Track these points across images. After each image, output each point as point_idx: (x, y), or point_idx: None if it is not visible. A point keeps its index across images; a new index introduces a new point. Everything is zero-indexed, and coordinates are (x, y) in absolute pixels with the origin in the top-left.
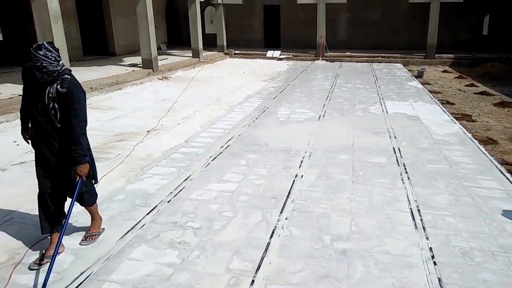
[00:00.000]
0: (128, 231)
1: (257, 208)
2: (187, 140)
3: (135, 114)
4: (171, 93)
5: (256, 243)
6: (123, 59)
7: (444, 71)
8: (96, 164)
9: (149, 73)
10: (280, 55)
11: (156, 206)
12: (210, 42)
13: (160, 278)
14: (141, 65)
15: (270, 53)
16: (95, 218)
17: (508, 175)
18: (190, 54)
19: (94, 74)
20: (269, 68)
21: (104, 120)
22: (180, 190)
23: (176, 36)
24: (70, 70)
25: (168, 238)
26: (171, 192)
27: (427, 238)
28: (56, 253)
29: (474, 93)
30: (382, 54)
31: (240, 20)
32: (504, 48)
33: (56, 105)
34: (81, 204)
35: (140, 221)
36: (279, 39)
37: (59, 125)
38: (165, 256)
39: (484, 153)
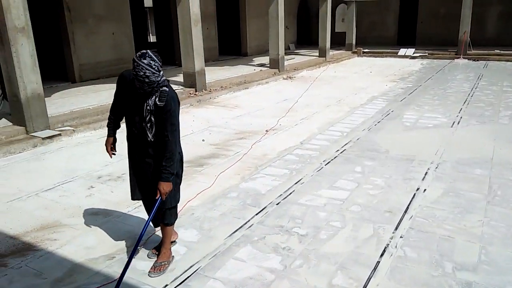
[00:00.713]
0: (237, 230)
1: (368, 221)
2: (303, 142)
3: (257, 113)
4: (293, 93)
5: (364, 260)
6: (254, 59)
7: None
8: (216, 160)
9: (274, 73)
10: (413, 53)
11: (265, 207)
12: (340, 41)
13: (261, 282)
14: (269, 65)
15: (402, 51)
16: (166, 243)
17: None
18: (317, 54)
19: (225, 73)
20: (399, 68)
21: (229, 118)
22: (290, 193)
23: (306, 35)
24: (168, 81)
25: (273, 241)
26: (281, 195)
27: None
28: (138, 244)
29: None
30: (510, 51)
31: (372, 17)
32: None
33: (153, 119)
34: (160, 221)
35: (249, 221)
36: (414, 36)
37: (152, 139)
38: (268, 260)
39: None
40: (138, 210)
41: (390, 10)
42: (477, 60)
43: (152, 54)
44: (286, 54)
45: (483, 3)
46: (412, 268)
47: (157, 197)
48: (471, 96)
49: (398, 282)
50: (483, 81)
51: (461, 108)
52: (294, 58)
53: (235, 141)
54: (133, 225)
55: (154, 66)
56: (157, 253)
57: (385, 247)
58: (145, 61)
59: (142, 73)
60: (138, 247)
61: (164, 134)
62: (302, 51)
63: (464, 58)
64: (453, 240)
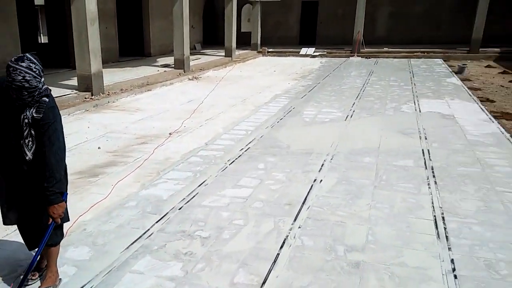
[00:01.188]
0: (134, 241)
1: (269, 216)
2: (208, 143)
3: (160, 116)
4: (199, 93)
5: (265, 255)
6: (158, 59)
7: (488, 66)
8: (113, 169)
9: (179, 74)
10: (314, 52)
11: (167, 213)
12: (246, 41)
13: None
14: (173, 66)
15: (304, 51)
16: (52, 266)
17: None
18: (223, 54)
19: (126, 75)
20: (301, 66)
21: (129, 122)
22: (193, 196)
23: (212, 35)
24: (50, 90)
25: (174, 248)
26: (184, 199)
27: (449, 248)
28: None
29: None
30: (422, 49)
31: (276, 17)
32: None
33: (33, 132)
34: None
35: (148, 230)
36: (315, 36)
37: (31, 157)
38: (168, 269)
39: None
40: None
41: (293, 11)
42: (369, 58)
43: (31, 57)
44: (191, 54)
45: (375, 4)
46: (309, 256)
47: (49, 222)
48: (363, 91)
49: (295, 271)
50: (373, 77)
51: (354, 103)
52: (200, 58)
53: (136, 146)
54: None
55: (35, 70)
56: (37, 277)
57: (285, 239)
58: (23, 64)
59: (20, 77)
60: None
61: (42, 150)
62: (208, 51)
63: (358, 56)
64: (344, 225)
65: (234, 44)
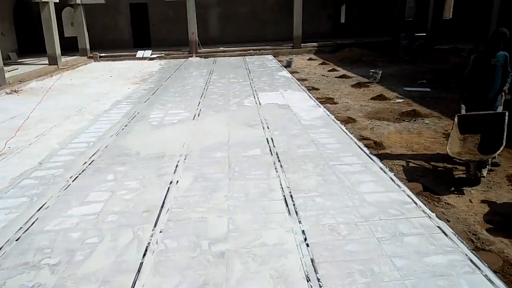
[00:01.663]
0: None
1: (127, 227)
2: (42, 162)
3: None
4: (22, 108)
5: (127, 267)
6: None
7: (310, 59)
8: None
9: None
10: (151, 54)
11: (1, 248)
12: (73, 46)
13: None
14: None
15: (140, 53)
16: None
17: (365, 149)
18: (47, 62)
19: None
20: (139, 70)
21: None
22: (33, 223)
23: (31, 42)
24: None
25: (17, 285)
26: (21, 227)
27: (299, 222)
28: None
29: (336, 77)
30: (254, 47)
31: (104, 20)
32: (358, 34)
33: None
34: None
35: None
36: (149, 38)
37: None
38: None
39: (345, 132)
40: None
41: (122, 13)
42: (207, 57)
43: None
44: (6, 64)
45: (205, 6)
46: (174, 257)
47: None
48: (206, 90)
49: (162, 275)
50: (214, 76)
51: (199, 102)
52: (17, 69)
53: None
54: None
55: None
56: None
57: (147, 246)
58: None
59: None
60: None
61: None
62: (28, 60)
63: (196, 56)
64: (206, 220)
65: (58, 51)
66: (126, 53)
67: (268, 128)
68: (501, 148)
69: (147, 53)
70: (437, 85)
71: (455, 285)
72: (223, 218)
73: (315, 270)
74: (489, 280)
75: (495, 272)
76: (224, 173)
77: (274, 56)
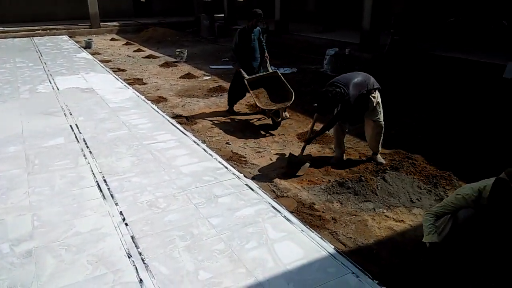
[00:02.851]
0: None
1: None
2: None
3: None
4: None
5: None
6: None
7: (113, 39)
8: None
9: None
10: None
11: None
12: None
13: None
14: None
15: None
16: None
17: (178, 125)
18: None
19: None
20: None
21: None
22: None
23: None
24: None
25: None
26: None
27: (116, 204)
28: None
29: (142, 57)
30: (44, 27)
31: None
32: (160, 14)
33: None
34: None
35: None
36: None
37: None
38: None
39: (157, 111)
40: None
41: None
42: None
43: None
44: None
45: None
46: None
47: None
48: None
49: None
50: None
51: None
52: None
53: None
54: None
55: None
56: None
57: None
58: None
59: None
60: None
61: None
62: None
63: None
64: (4, 221)
65: None
66: None
67: (71, 114)
68: (293, 97)
69: None
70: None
71: (262, 229)
72: (26, 216)
73: (136, 246)
74: (287, 219)
75: (291, 212)
76: (21, 168)
77: (70, 37)
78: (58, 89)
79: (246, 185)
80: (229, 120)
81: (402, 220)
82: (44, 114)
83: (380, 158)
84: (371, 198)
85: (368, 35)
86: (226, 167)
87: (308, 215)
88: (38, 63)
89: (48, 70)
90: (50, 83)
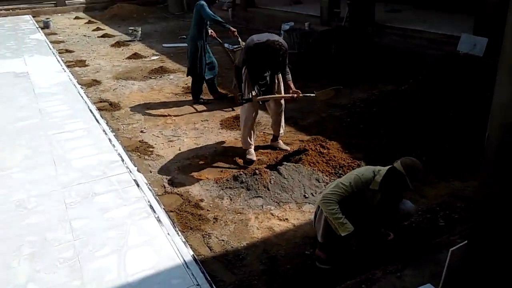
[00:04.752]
0: None
1: None
2: None
3: None
4: None
5: None
6: None
7: (76, 18)
8: None
9: None
10: None
11: None
12: None
13: None
14: None
15: None
16: None
17: (96, 112)
18: None
19: None
20: None
21: None
22: None
23: None
24: None
25: None
26: None
27: None
28: None
29: (98, 36)
30: (7, 7)
31: None
32: None
33: None
34: None
35: None
36: None
37: None
38: None
39: (82, 97)
40: None
41: None
42: None
43: None
44: None
45: None
46: None
47: None
48: None
49: None
50: None
51: None
52: None
53: None
54: None
55: None
56: None
57: None
58: None
59: None
60: None
61: None
62: None
63: None
64: None
65: None
66: None
67: None
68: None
69: None
70: None
71: (125, 233)
72: None
73: None
74: (159, 220)
75: (170, 211)
76: None
77: (34, 17)
78: None
79: (134, 180)
80: (157, 104)
81: (286, 219)
82: None
83: (281, 144)
84: (262, 193)
85: (328, 6)
86: (123, 160)
87: (189, 214)
88: None
89: None
90: None
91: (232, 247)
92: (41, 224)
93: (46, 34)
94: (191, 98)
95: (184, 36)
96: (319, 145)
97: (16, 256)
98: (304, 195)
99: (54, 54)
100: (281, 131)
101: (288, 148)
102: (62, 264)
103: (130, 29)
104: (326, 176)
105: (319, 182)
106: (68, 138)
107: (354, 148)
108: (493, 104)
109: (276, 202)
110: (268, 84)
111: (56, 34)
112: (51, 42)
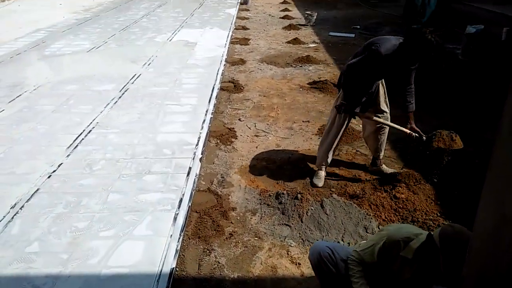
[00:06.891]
0: None
1: None
2: None
3: None
4: None
5: None
6: None
7: None
8: None
9: None
10: None
11: None
12: None
13: None
14: None
15: None
16: None
17: (214, 92)
18: None
19: None
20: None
21: None
22: None
23: None
24: None
25: None
26: None
27: (68, 156)
28: None
29: (280, 17)
30: None
31: None
32: None
33: None
34: None
35: None
36: None
37: None
38: None
39: (216, 74)
40: None
41: None
42: None
43: None
44: None
45: None
46: None
47: None
48: (135, 23)
49: None
50: (160, 9)
51: (115, 34)
52: None
53: None
54: None
55: None
56: None
57: None
58: None
59: None
60: None
61: None
62: None
63: None
64: None
65: None
66: None
67: (148, 65)
68: None
69: None
70: (368, 31)
71: (137, 221)
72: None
73: None
74: (175, 218)
75: (195, 212)
76: (53, 105)
77: None
78: (170, 40)
79: (189, 168)
80: (277, 93)
81: (298, 264)
82: (131, 61)
83: (385, 167)
84: (293, 223)
85: None
86: (197, 145)
87: (210, 220)
88: (187, 14)
89: (186, 22)
90: (172, 34)
91: (220, 274)
92: (88, 188)
93: (240, 10)
94: (313, 92)
95: (358, 26)
96: (404, 184)
97: (45, 214)
98: (338, 242)
99: (229, 29)
100: (381, 154)
101: (395, 171)
102: (70, 234)
103: (307, 13)
104: (382, 223)
105: (366, 231)
106: (174, 111)
107: (454, 202)
108: None
109: (302, 239)
110: (374, 94)
111: (248, 10)
112: (238, 18)
